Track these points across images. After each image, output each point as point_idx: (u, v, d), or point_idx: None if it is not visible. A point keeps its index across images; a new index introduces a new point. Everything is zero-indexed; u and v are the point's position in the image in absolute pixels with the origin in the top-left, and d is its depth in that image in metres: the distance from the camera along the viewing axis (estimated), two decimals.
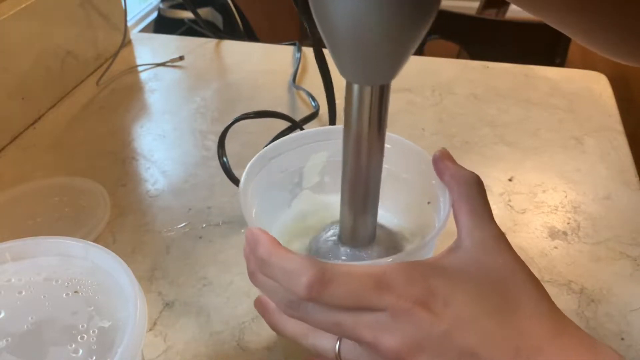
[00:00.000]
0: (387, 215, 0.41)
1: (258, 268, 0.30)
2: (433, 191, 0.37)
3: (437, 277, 0.28)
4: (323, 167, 0.42)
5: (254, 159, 0.39)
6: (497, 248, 0.29)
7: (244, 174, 0.37)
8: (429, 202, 0.37)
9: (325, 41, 0.27)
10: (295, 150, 0.41)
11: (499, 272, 0.28)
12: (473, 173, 0.33)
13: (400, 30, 0.25)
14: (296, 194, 0.43)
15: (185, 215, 0.60)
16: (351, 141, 0.31)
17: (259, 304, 0.35)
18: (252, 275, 0.32)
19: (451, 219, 0.33)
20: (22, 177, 0.65)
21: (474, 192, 0.32)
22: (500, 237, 0.30)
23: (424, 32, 0.26)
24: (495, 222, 0.31)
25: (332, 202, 0.40)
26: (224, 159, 0.56)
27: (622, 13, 0.28)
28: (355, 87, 0.28)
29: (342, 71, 0.28)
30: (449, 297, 0.27)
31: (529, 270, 0.29)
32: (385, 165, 0.40)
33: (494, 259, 0.29)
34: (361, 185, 0.32)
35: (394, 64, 0.27)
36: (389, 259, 0.30)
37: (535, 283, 0.29)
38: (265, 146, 0.40)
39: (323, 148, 0.41)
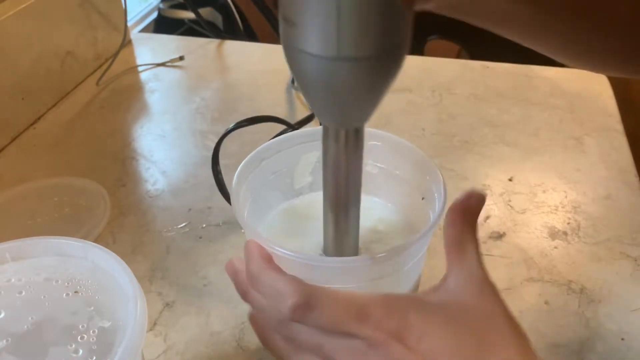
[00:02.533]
0: (382, 211, 0.41)
1: (249, 282, 0.31)
2: (426, 186, 0.37)
3: (416, 312, 0.28)
4: (314, 167, 0.42)
5: (245, 160, 0.39)
6: (480, 291, 0.30)
7: (235, 176, 0.38)
8: (423, 198, 0.38)
9: (301, 90, 0.28)
10: (286, 151, 0.41)
11: (478, 315, 0.29)
12: (471, 195, 0.32)
13: (368, 88, 0.27)
14: (288, 194, 0.43)
15: (185, 215, 0.60)
16: (330, 178, 0.32)
17: (252, 319, 0.36)
18: (242, 291, 0.33)
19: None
20: (22, 177, 0.65)
21: (467, 234, 0.31)
22: (485, 281, 0.30)
23: (389, 86, 0.27)
24: (482, 265, 0.31)
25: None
26: (220, 176, 0.56)
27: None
28: (331, 129, 0.30)
29: (318, 116, 0.29)
30: (425, 332, 0.28)
31: (510, 314, 0.29)
32: (377, 164, 0.41)
33: (475, 302, 0.29)
34: (342, 212, 0.34)
35: (365, 112, 0.29)
36: (382, 254, 0.31)
37: (514, 328, 0.29)
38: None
39: (313, 148, 0.41)
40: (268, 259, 0.31)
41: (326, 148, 0.31)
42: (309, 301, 0.28)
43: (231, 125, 0.54)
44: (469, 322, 0.28)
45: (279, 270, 0.30)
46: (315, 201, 0.43)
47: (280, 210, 0.43)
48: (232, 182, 0.37)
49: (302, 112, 0.75)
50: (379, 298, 0.29)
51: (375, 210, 0.42)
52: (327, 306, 0.28)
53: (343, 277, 0.34)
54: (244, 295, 0.33)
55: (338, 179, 0.32)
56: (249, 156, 0.39)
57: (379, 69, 0.26)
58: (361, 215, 0.40)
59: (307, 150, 0.41)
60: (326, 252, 0.37)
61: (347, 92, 0.27)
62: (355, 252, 0.37)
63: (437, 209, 0.34)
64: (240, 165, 0.39)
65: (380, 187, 0.41)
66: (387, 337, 0.27)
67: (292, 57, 0.26)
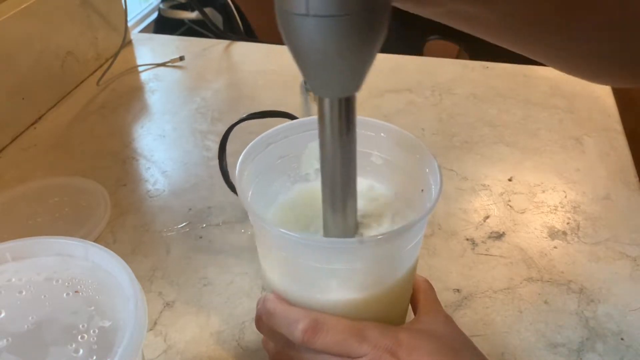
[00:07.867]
0: (385, 201, 0.42)
1: (264, 318, 0.37)
2: (426, 179, 0.38)
3: (404, 333, 0.35)
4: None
5: (252, 143, 0.39)
6: (446, 323, 0.37)
7: (241, 156, 0.38)
8: (422, 190, 0.38)
9: (295, 62, 0.30)
10: (294, 137, 0.41)
11: (451, 338, 0.36)
12: (424, 279, 0.42)
13: (355, 51, 0.28)
14: (295, 179, 0.43)
15: (185, 215, 0.60)
16: (327, 149, 0.33)
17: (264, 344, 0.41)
18: (258, 322, 0.38)
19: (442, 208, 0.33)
20: (23, 177, 0.65)
21: (427, 289, 0.41)
22: (448, 316, 0.39)
23: (375, 52, 0.29)
24: (443, 309, 0.39)
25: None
26: (224, 163, 0.56)
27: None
28: (325, 100, 0.31)
29: (312, 87, 0.31)
30: (413, 348, 0.34)
31: (471, 341, 0.37)
32: (382, 155, 0.41)
33: (446, 330, 0.37)
34: (338, 185, 0.35)
35: (353, 79, 0.30)
36: (379, 237, 0.32)
37: (474, 349, 0.37)
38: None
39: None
40: (281, 298, 0.37)
41: (321, 122, 0.32)
42: (316, 325, 0.34)
43: (243, 116, 0.54)
44: (445, 343, 0.35)
45: (289, 304, 0.36)
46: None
47: (286, 195, 0.43)
48: (238, 163, 0.38)
49: (301, 111, 0.75)
50: (373, 324, 0.35)
51: (377, 198, 0.42)
52: (331, 329, 0.34)
53: (330, 257, 0.35)
54: (257, 323, 0.39)
55: (334, 154, 0.33)
56: (255, 139, 0.40)
57: (353, 28, 0.27)
58: (364, 203, 0.40)
59: (314, 138, 0.42)
60: (325, 231, 0.37)
61: (325, 53, 0.28)
62: (352, 234, 0.37)
63: (432, 197, 0.35)
64: (247, 147, 0.39)
65: (384, 177, 0.42)
66: (383, 352, 0.33)
67: (279, 19, 0.28)
